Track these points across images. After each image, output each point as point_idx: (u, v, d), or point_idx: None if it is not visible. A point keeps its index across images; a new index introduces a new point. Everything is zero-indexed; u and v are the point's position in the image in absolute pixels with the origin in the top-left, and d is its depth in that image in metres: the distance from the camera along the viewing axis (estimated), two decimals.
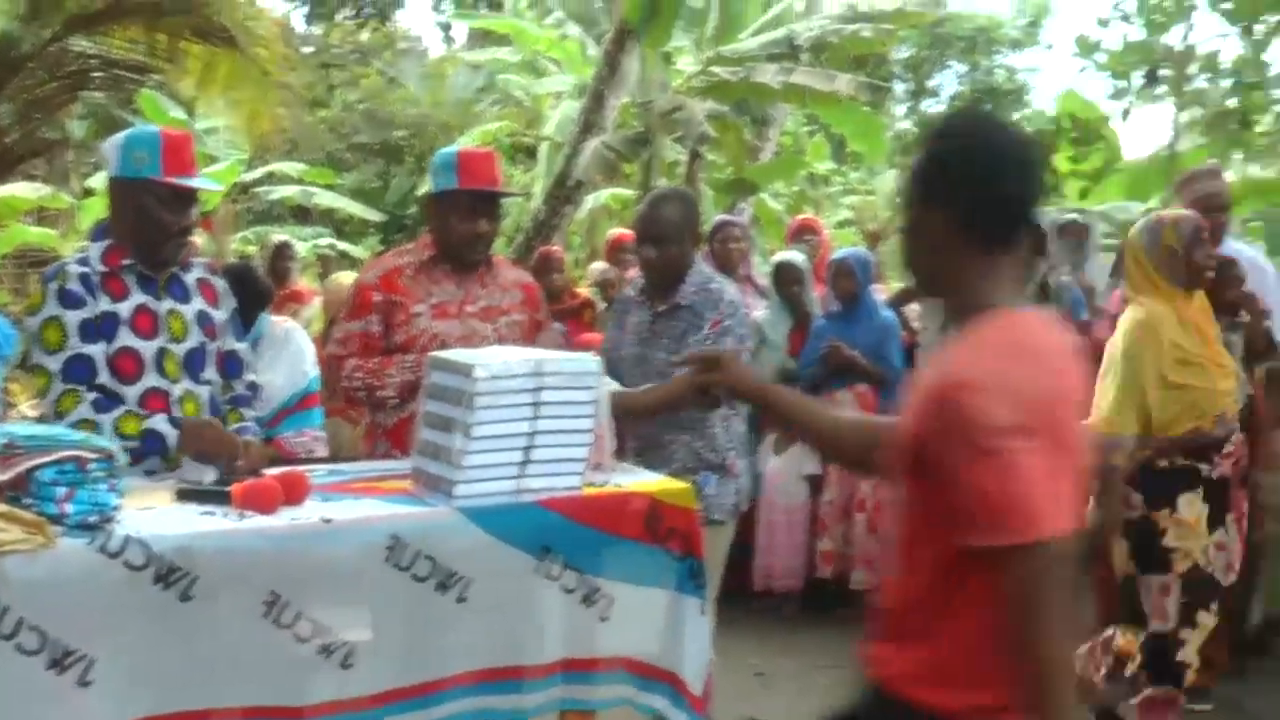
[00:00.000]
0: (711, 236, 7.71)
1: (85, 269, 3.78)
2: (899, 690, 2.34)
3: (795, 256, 7.61)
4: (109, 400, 3.69)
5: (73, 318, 3.70)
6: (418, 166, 21.38)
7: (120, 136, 3.90)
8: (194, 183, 3.87)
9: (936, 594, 2.30)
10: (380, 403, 4.40)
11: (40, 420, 3.75)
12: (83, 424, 3.58)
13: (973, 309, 2.32)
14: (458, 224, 4.38)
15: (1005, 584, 2.16)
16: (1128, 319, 4.84)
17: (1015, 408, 2.13)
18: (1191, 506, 4.79)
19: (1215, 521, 4.84)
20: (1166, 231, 4.89)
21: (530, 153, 19.97)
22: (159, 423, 3.68)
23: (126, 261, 3.82)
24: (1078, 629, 2.20)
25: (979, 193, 2.29)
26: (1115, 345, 4.81)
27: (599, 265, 9.34)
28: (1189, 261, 4.86)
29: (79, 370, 3.69)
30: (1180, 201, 6.60)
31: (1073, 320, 6.91)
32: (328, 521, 3.19)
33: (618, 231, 9.59)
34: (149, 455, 3.68)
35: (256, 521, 3.16)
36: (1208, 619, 4.81)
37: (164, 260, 3.88)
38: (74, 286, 3.74)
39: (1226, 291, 5.54)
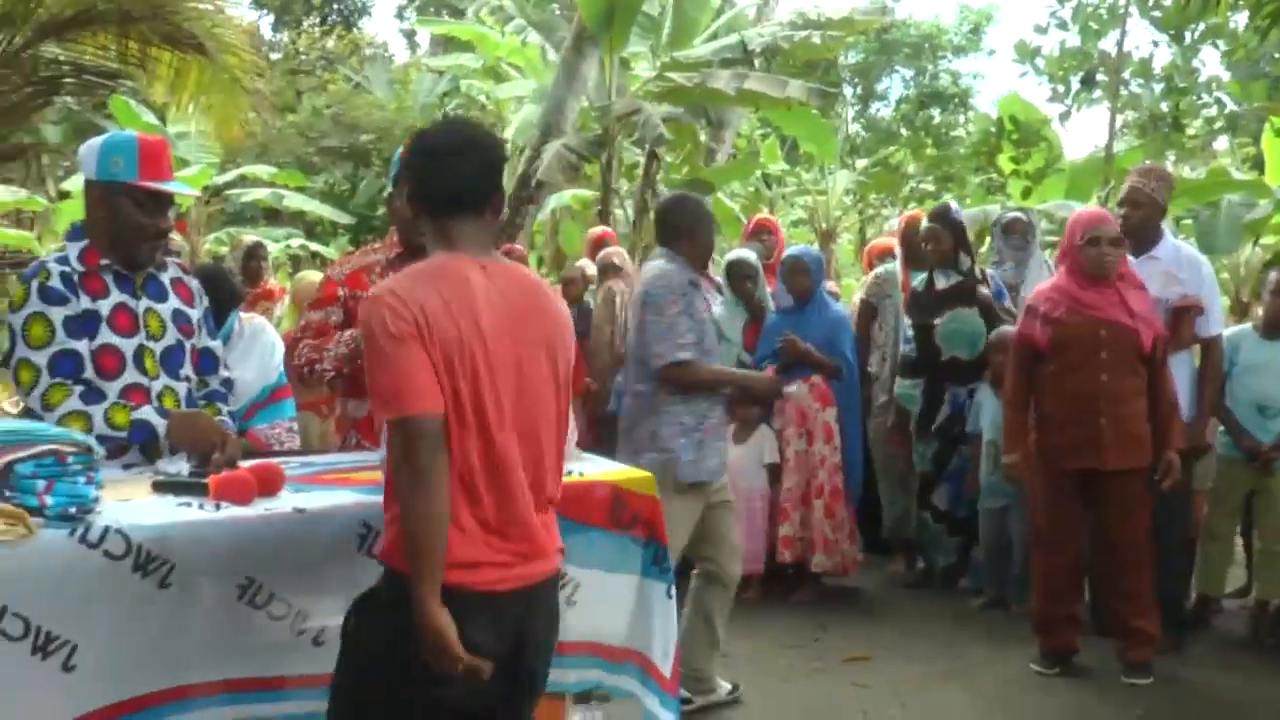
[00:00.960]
0: None
1: (65, 268, 3.75)
2: (387, 560, 2.82)
3: (747, 253, 7.63)
4: (94, 394, 3.68)
5: (57, 314, 3.68)
6: (384, 169, 21.28)
7: (97, 141, 3.87)
8: (170, 187, 3.86)
9: (392, 471, 2.79)
10: (320, 377, 4.38)
11: (24, 415, 3.70)
12: (73, 415, 3.58)
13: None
14: (403, 208, 4.33)
15: (392, 450, 2.73)
16: None
17: (398, 318, 2.71)
18: None
19: None
20: None
21: None
22: (148, 413, 3.67)
23: (104, 261, 3.80)
24: (442, 490, 2.70)
25: (419, 175, 2.96)
26: None
27: (583, 262, 9.29)
28: None
29: (66, 365, 3.67)
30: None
31: (997, 304, 7.16)
32: (301, 511, 3.19)
33: (600, 229, 9.49)
34: (136, 445, 3.67)
35: (232, 512, 3.16)
36: None
37: (139, 261, 3.86)
38: (55, 284, 3.71)
39: None
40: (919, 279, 7.46)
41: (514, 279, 2.94)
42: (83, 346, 3.70)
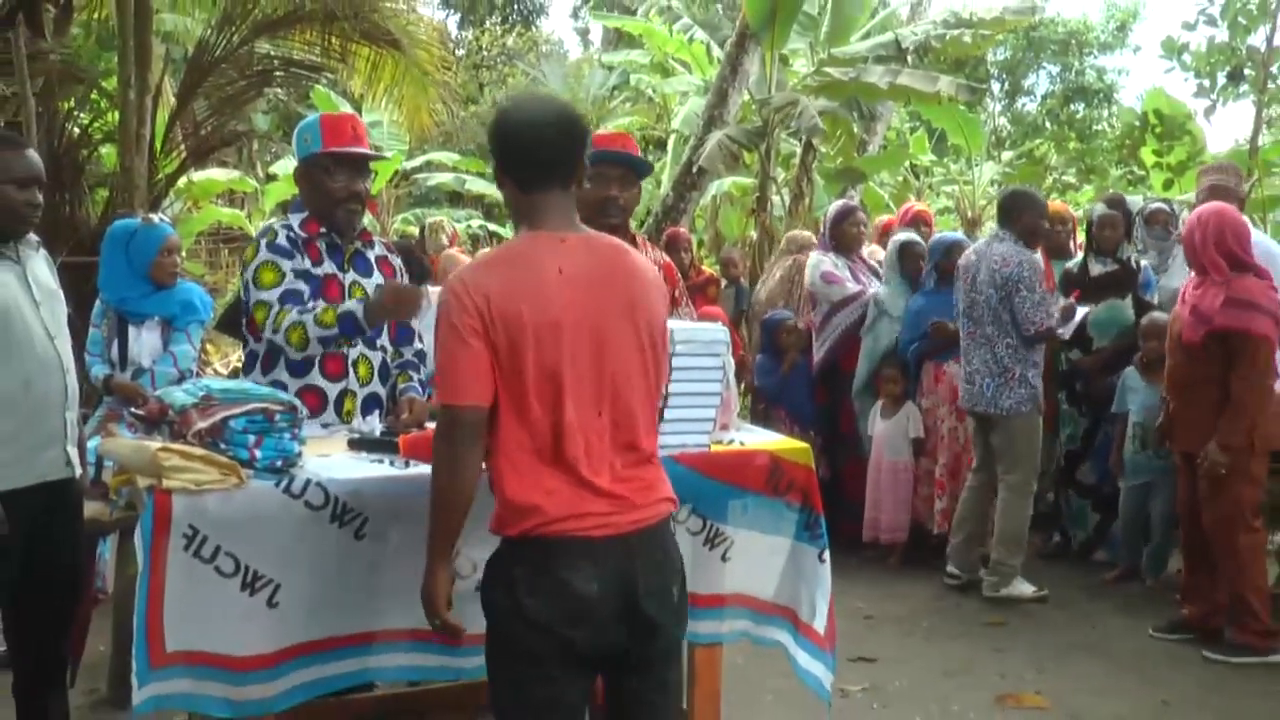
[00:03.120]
0: (841, 220, 7.62)
1: (290, 232, 3.94)
2: (494, 530, 2.81)
3: (916, 236, 7.54)
4: (307, 311, 3.81)
5: (285, 264, 3.86)
6: None
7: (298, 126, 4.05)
8: (348, 149, 3.94)
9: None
10: None
11: (233, 376, 3.83)
12: (292, 327, 3.74)
13: (519, 230, 2.87)
14: (589, 191, 4.29)
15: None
16: None
17: (462, 309, 2.66)
18: None
19: None
20: None
21: (660, 145, 19.95)
22: (351, 305, 3.78)
23: (322, 230, 3.95)
24: (467, 473, 2.73)
25: (503, 150, 2.85)
26: None
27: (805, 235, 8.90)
28: None
29: (293, 300, 3.82)
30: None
31: (1146, 295, 7.09)
32: (484, 470, 3.20)
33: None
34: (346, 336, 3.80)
35: (421, 469, 3.19)
36: None
37: (338, 227, 3.95)
38: (282, 242, 3.90)
39: None
40: (1073, 262, 7.34)
41: (594, 247, 2.84)
42: (305, 289, 3.86)
